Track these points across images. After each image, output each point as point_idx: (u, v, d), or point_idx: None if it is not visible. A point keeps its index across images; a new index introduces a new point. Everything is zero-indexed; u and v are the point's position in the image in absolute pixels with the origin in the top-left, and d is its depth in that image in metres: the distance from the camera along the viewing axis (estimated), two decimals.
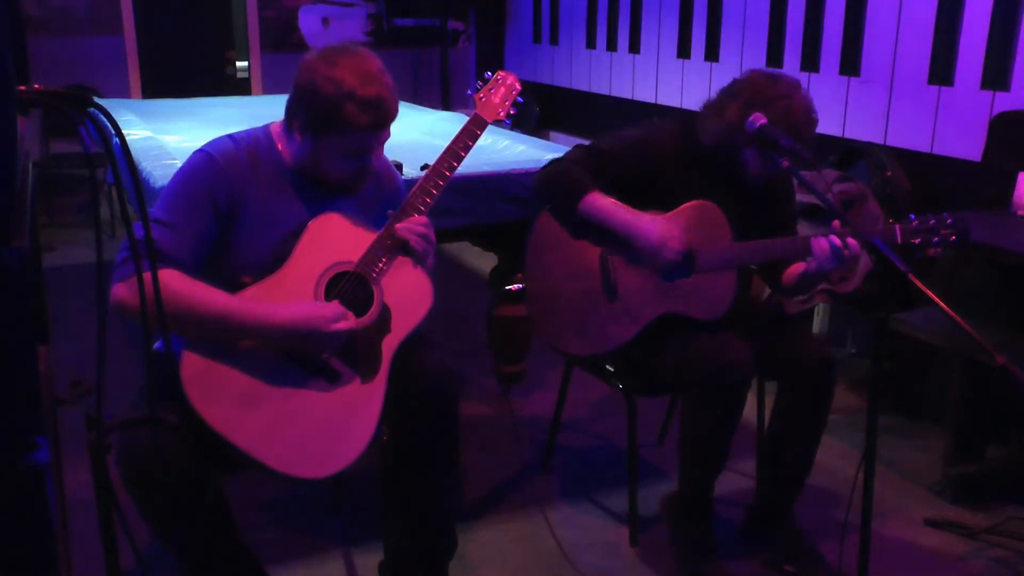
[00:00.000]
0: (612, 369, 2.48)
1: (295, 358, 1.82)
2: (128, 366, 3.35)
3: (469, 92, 2.20)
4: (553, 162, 2.35)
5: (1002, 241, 2.62)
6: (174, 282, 1.73)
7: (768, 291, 3.22)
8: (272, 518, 2.59)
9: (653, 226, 2.19)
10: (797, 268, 2.26)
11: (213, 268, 1.84)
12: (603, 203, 2.23)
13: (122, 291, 1.73)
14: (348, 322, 1.82)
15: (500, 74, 2.20)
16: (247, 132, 1.95)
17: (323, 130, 1.82)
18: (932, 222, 2.08)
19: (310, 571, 2.36)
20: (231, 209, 1.85)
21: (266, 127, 1.97)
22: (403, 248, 1.92)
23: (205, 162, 1.85)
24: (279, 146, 1.93)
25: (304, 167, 1.91)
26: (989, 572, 2.38)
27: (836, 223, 2.08)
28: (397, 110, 1.87)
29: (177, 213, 1.81)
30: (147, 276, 1.63)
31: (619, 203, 2.24)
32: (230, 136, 1.93)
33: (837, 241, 2.07)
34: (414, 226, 1.92)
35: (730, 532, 2.54)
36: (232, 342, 1.78)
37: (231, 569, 1.92)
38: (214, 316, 1.75)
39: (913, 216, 2.11)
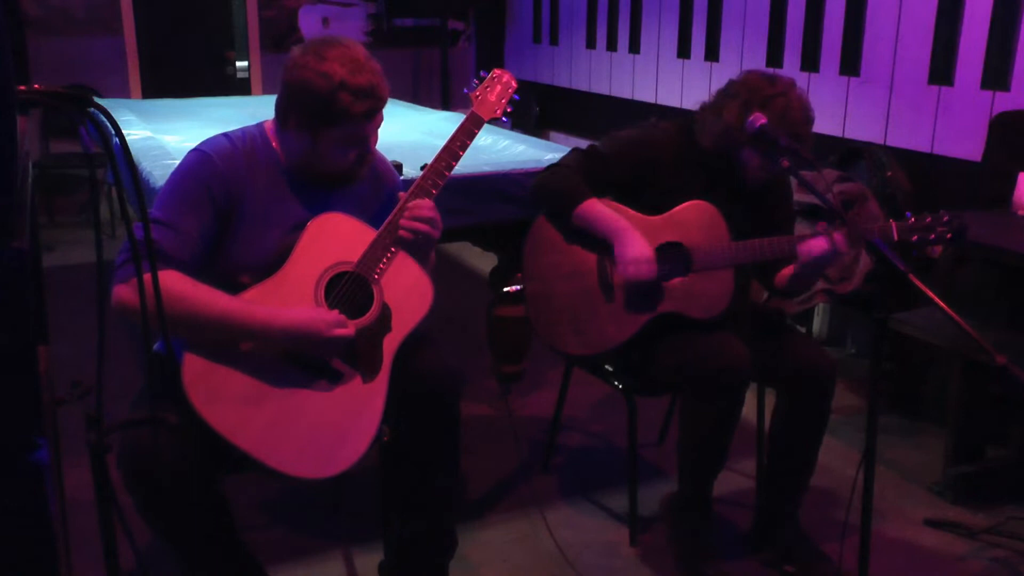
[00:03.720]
0: (611, 369, 2.48)
1: (297, 359, 1.82)
2: (128, 366, 3.36)
3: (465, 90, 2.20)
4: (550, 168, 2.36)
5: (1002, 241, 2.62)
6: (176, 284, 1.73)
7: (767, 294, 3.23)
8: (272, 518, 2.59)
9: (631, 245, 2.21)
10: (789, 270, 2.27)
11: (211, 267, 1.84)
12: (595, 210, 2.25)
13: (124, 292, 1.72)
14: (347, 329, 1.82)
15: (496, 72, 2.20)
16: (242, 131, 1.94)
17: (321, 124, 1.83)
18: (928, 219, 2.09)
19: (310, 571, 2.36)
20: (230, 207, 1.85)
21: (260, 125, 1.97)
22: (405, 241, 1.93)
23: (202, 161, 1.85)
24: (274, 144, 1.93)
25: (303, 164, 1.91)
26: (989, 572, 2.38)
27: (820, 224, 2.10)
28: (388, 93, 1.88)
29: (176, 213, 1.80)
30: (148, 277, 1.64)
31: (612, 211, 2.25)
32: (225, 135, 1.92)
33: (826, 243, 2.09)
34: (420, 211, 1.93)
35: (730, 532, 2.54)
36: (233, 344, 1.78)
37: (231, 569, 1.92)
38: (216, 318, 1.75)
39: (909, 214, 2.12)
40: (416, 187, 1.97)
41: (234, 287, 1.82)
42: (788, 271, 2.27)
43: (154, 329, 1.72)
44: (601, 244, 2.29)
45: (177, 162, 2.66)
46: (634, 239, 2.22)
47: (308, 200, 1.94)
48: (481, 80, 2.19)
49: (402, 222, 1.93)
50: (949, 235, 2.08)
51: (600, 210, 2.25)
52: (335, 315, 1.82)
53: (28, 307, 1.07)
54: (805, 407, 2.28)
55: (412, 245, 1.95)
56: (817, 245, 2.13)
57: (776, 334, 2.36)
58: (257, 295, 1.82)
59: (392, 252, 1.92)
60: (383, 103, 1.87)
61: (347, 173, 1.93)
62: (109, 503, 1.46)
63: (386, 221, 1.93)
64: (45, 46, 5.81)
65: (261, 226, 1.88)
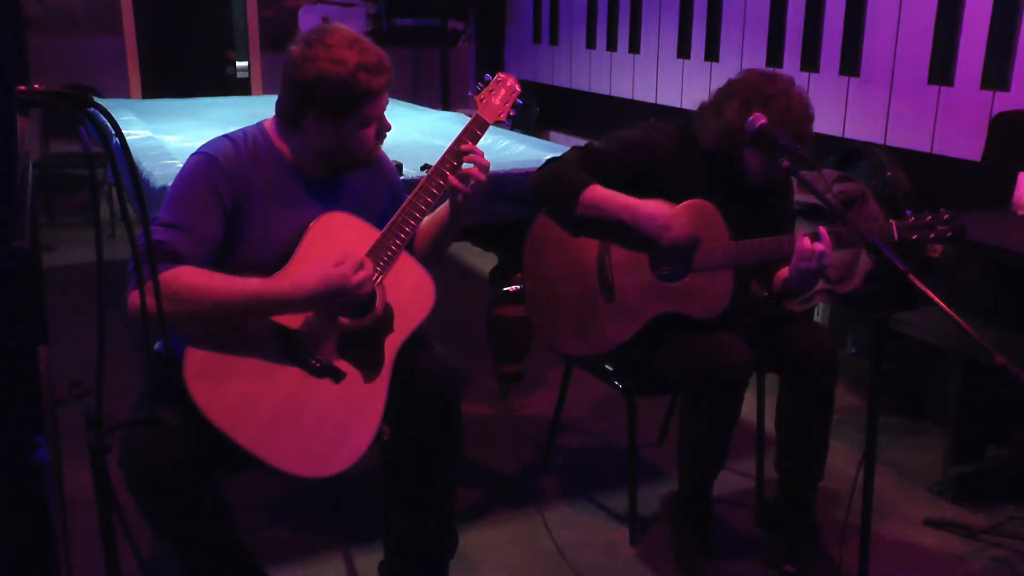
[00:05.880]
0: (611, 369, 2.48)
1: (299, 358, 1.82)
2: (128, 366, 3.35)
3: (470, 94, 2.20)
4: (549, 162, 2.35)
5: (1002, 241, 2.62)
6: (193, 277, 1.73)
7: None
8: (272, 518, 2.59)
9: (659, 208, 2.20)
10: (783, 273, 2.27)
11: (216, 266, 1.84)
12: (604, 193, 2.24)
13: (139, 297, 1.71)
14: (367, 270, 1.83)
15: (500, 76, 2.20)
16: (242, 132, 1.95)
17: (347, 110, 1.84)
18: (928, 218, 2.09)
19: (310, 571, 2.36)
20: (237, 208, 1.85)
21: (260, 124, 1.97)
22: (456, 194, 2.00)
23: (207, 163, 1.85)
24: (276, 142, 1.93)
25: (323, 158, 1.92)
26: (989, 572, 2.38)
27: (800, 233, 2.10)
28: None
29: (186, 215, 1.80)
30: (161, 277, 1.63)
31: (618, 192, 2.24)
32: (226, 136, 1.92)
33: (810, 246, 2.09)
34: (479, 158, 2.00)
35: (730, 532, 2.54)
36: (261, 321, 1.79)
37: (231, 569, 1.92)
38: (240, 300, 1.75)
39: (909, 213, 2.12)
40: (420, 188, 1.97)
41: None
42: (783, 274, 2.27)
43: (174, 332, 1.72)
44: (603, 238, 2.28)
45: (177, 162, 2.67)
46: (652, 207, 2.20)
47: (315, 196, 1.94)
48: (486, 83, 2.19)
49: (463, 171, 1.98)
50: (949, 233, 2.08)
51: (606, 192, 2.24)
52: (351, 261, 1.82)
53: (28, 307, 1.07)
54: (810, 388, 2.27)
55: (460, 199, 2.01)
56: (805, 246, 2.12)
57: (777, 323, 2.36)
58: None
59: (395, 251, 1.92)
60: (392, 74, 1.90)
61: (368, 155, 1.95)
62: (109, 503, 1.46)
63: (389, 222, 1.94)
64: (45, 46, 5.82)
65: (268, 224, 1.88)
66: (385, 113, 1.95)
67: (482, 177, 2.00)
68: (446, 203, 2.08)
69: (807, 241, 2.11)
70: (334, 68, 1.80)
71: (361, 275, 1.81)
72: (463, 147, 2.00)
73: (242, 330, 1.79)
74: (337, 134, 1.87)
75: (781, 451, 2.37)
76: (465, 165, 2.01)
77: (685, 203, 2.27)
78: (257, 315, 1.79)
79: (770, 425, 2.42)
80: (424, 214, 1.97)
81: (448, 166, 2.00)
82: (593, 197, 2.24)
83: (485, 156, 2.03)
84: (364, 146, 1.92)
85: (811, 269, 2.11)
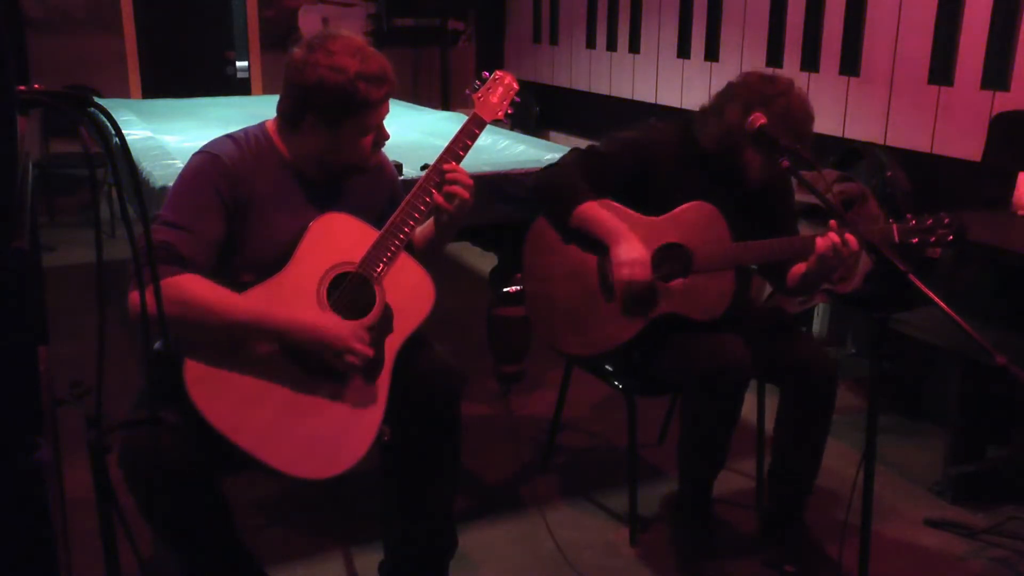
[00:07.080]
0: (611, 369, 2.48)
1: (299, 359, 1.82)
2: (128, 366, 3.35)
3: (468, 92, 2.20)
4: (550, 167, 2.36)
5: (1002, 241, 2.62)
6: (198, 286, 1.73)
7: (768, 292, 3.22)
8: (272, 518, 2.59)
9: (627, 247, 2.20)
10: (800, 268, 2.27)
11: (218, 266, 1.84)
12: (593, 214, 2.25)
13: (140, 298, 1.71)
14: (364, 347, 1.83)
15: (498, 73, 2.20)
16: (243, 131, 1.94)
17: (342, 117, 1.84)
18: (929, 222, 2.09)
19: (310, 571, 2.36)
20: (238, 208, 1.85)
21: (261, 125, 1.97)
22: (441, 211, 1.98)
23: (210, 162, 1.85)
24: (277, 143, 1.93)
25: (319, 161, 1.92)
26: (989, 572, 2.38)
27: (833, 222, 2.09)
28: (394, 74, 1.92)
29: (188, 215, 1.80)
30: (165, 281, 1.63)
31: (611, 214, 2.25)
32: (228, 136, 1.92)
33: (836, 239, 2.07)
34: (460, 176, 1.98)
35: (730, 532, 2.54)
36: (255, 343, 1.79)
37: (231, 569, 1.92)
38: (239, 320, 1.75)
39: (910, 216, 2.11)
40: (418, 188, 1.97)
41: (236, 286, 1.81)
42: (800, 269, 2.27)
43: (172, 335, 1.73)
44: (601, 245, 2.29)
45: (177, 162, 2.67)
46: (630, 241, 2.22)
47: (315, 197, 1.94)
48: (483, 81, 2.18)
49: (445, 189, 1.96)
50: (950, 237, 2.08)
51: (598, 212, 2.26)
52: (358, 330, 1.82)
53: (28, 307, 1.07)
54: (809, 405, 2.27)
55: (444, 218, 1.99)
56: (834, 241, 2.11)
57: (778, 332, 2.36)
58: (260, 294, 1.82)
59: (394, 251, 1.92)
60: (395, 85, 1.89)
61: (364, 161, 1.94)
62: (109, 503, 1.46)
63: (388, 222, 1.94)
64: (45, 46, 5.81)
65: (268, 225, 1.88)
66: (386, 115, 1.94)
67: (466, 195, 1.98)
68: (430, 221, 2.07)
69: (833, 237, 2.09)
70: (334, 76, 1.79)
71: (360, 347, 1.81)
72: (445, 167, 1.99)
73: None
74: (333, 139, 1.87)
75: (776, 461, 2.38)
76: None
77: (685, 206, 2.27)
78: (252, 336, 1.79)
79: (770, 427, 2.42)
80: (423, 214, 1.97)
81: (438, 176, 1.99)
82: (585, 215, 2.26)
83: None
84: (360, 153, 1.91)
85: (835, 265, 2.11)
